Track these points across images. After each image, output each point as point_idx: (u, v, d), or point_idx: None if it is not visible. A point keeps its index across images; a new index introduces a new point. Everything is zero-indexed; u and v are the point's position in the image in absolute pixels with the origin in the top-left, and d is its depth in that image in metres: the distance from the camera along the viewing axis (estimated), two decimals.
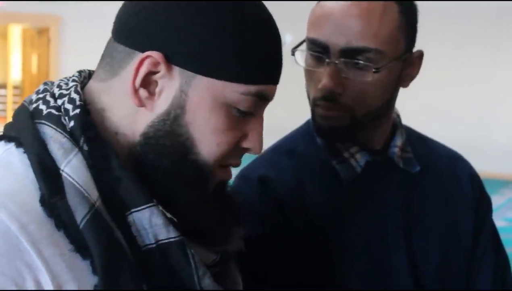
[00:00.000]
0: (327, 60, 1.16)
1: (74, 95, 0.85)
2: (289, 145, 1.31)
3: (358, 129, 1.21)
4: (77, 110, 0.83)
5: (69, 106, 0.84)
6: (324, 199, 1.24)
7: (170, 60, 0.82)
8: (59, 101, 0.85)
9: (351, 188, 1.24)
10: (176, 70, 0.82)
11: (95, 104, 0.86)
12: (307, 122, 1.32)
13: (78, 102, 0.84)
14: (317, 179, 1.25)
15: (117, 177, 0.81)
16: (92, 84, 0.89)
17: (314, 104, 1.21)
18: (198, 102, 0.83)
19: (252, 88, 0.84)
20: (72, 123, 0.82)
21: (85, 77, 0.93)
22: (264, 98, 0.87)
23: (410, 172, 1.29)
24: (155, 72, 0.83)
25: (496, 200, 7.93)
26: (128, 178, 0.81)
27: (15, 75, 13.15)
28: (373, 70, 1.14)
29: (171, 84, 0.83)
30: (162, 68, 0.82)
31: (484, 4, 9.13)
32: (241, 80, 0.83)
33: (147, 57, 0.82)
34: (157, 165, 0.84)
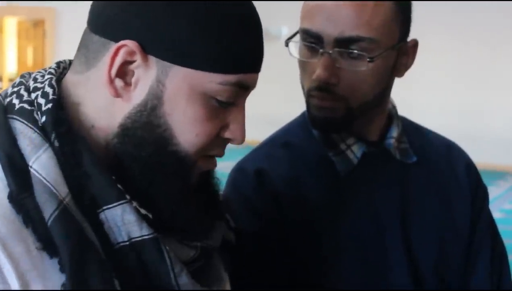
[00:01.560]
0: (321, 50, 1.15)
1: (47, 89, 0.84)
2: (285, 137, 1.30)
3: (353, 119, 1.21)
4: (49, 105, 0.82)
5: (42, 101, 0.82)
6: (320, 191, 1.23)
7: (146, 49, 0.80)
8: (33, 95, 0.84)
9: (347, 179, 1.24)
10: (153, 60, 0.81)
11: (71, 98, 0.85)
12: (303, 114, 1.31)
13: (51, 97, 0.83)
14: (313, 171, 1.25)
15: (88, 173, 0.80)
16: (69, 77, 0.87)
17: (308, 95, 1.20)
18: (176, 92, 0.81)
19: (231, 78, 0.82)
20: (44, 118, 0.81)
21: (64, 68, 0.91)
22: (244, 88, 0.85)
23: (406, 162, 1.28)
24: (131, 62, 0.81)
25: (493, 191, 7.94)
26: (100, 174, 0.80)
27: (10, 68, 13.10)
28: (368, 59, 1.13)
29: (148, 74, 0.81)
30: (138, 57, 0.80)
31: None
32: (218, 70, 0.81)
33: (122, 46, 0.80)
34: (136, 156, 0.82)
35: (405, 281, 1.22)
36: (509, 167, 9.31)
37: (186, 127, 0.82)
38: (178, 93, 0.81)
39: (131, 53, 0.80)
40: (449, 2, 9.31)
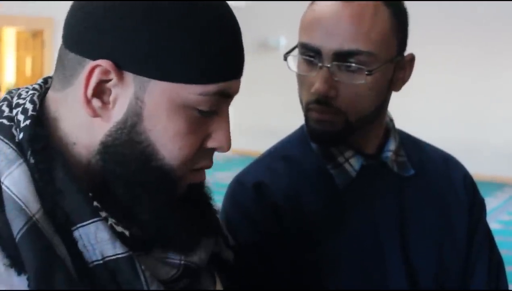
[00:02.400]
0: (319, 64, 1.16)
1: (28, 105, 0.83)
2: (284, 151, 1.31)
3: (351, 133, 1.22)
4: (27, 122, 0.81)
5: (21, 117, 0.82)
6: (319, 204, 1.23)
7: (121, 66, 0.78)
8: (14, 111, 0.83)
9: (346, 192, 1.24)
10: (129, 76, 0.79)
11: (51, 115, 0.84)
12: (301, 128, 1.32)
13: (30, 113, 0.82)
14: (312, 184, 1.25)
15: (62, 190, 0.78)
16: (50, 94, 0.86)
17: (307, 109, 1.21)
18: (155, 107, 0.79)
19: (211, 87, 0.80)
20: (21, 134, 0.80)
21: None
22: (226, 96, 0.83)
23: (404, 175, 1.29)
24: (107, 81, 0.79)
25: (491, 203, 7.94)
26: (74, 192, 0.78)
27: (9, 78, 13.12)
28: (366, 72, 1.15)
29: (125, 91, 0.80)
30: (113, 76, 0.79)
31: (481, 5, 9.15)
32: (197, 81, 0.79)
33: (96, 66, 0.78)
34: (118, 173, 0.81)
35: None
36: (507, 178, 9.32)
37: (168, 142, 0.81)
38: (158, 108, 0.80)
39: (106, 72, 0.79)
40: (447, 12, 9.35)
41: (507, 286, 1.33)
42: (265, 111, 9.91)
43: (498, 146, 9.44)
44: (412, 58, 1.25)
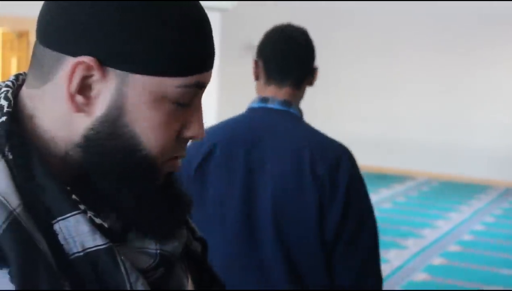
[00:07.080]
0: None
1: (3, 102, 0.84)
2: None
3: None
4: (4, 118, 0.82)
5: None
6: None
7: (103, 62, 0.80)
8: None
9: None
10: (111, 71, 0.81)
11: (26, 111, 0.85)
12: None
13: (5, 110, 0.83)
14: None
15: (41, 185, 0.80)
16: (24, 91, 0.87)
17: None
18: (137, 100, 0.82)
19: (189, 79, 0.84)
20: None
21: (24, 80, 0.91)
22: (202, 87, 0.87)
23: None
24: (90, 76, 0.81)
25: (474, 205, 8.00)
26: (53, 186, 0.80)
27: None
28: None
29: (107, 86, 0.81)
30: (95, 72, 0.80)
31: (461, 9, 9.22)
32: (176, 74, 0.83)
33: (78, 63, 0.80)
34: (102, 166, 0.83)
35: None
36: (490, 181, 9.38)
37: (150, 133, 0.83)
38: (140, 101, 0.82)
39: (89, 68, 0.80)
40: (428, 15, 9.40)
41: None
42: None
43: (480, 148, 9.49)
44: None
